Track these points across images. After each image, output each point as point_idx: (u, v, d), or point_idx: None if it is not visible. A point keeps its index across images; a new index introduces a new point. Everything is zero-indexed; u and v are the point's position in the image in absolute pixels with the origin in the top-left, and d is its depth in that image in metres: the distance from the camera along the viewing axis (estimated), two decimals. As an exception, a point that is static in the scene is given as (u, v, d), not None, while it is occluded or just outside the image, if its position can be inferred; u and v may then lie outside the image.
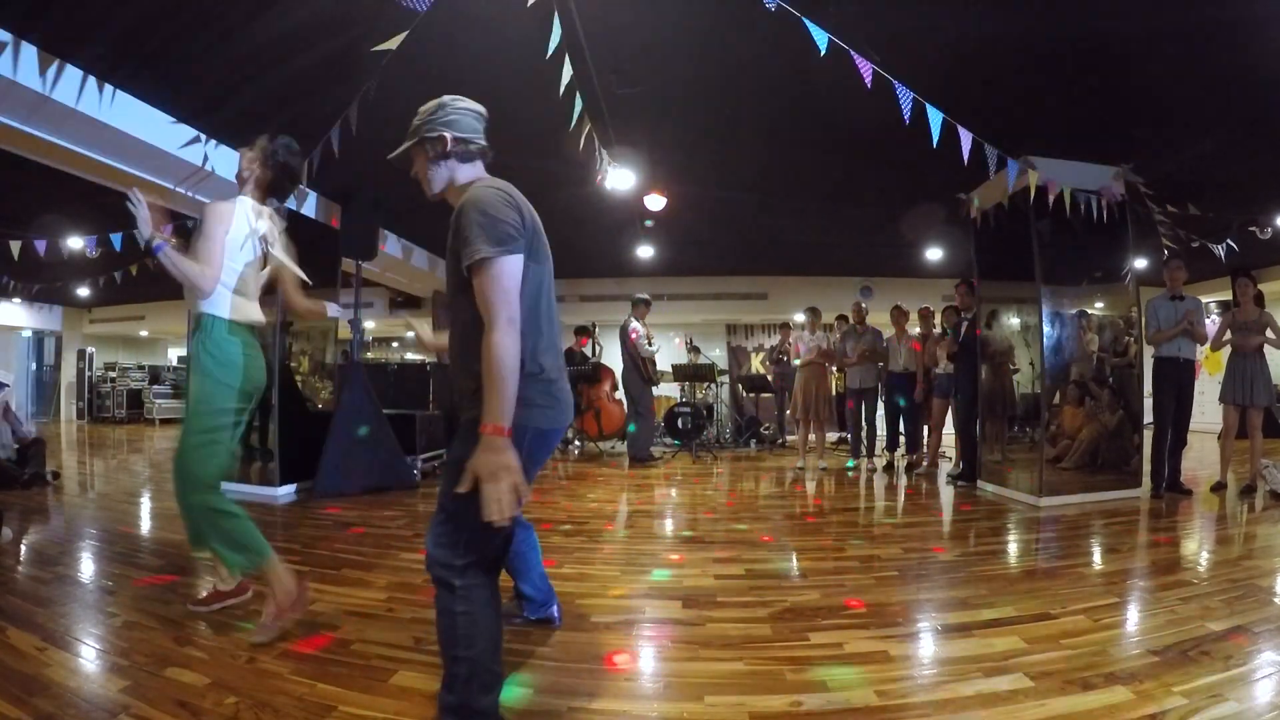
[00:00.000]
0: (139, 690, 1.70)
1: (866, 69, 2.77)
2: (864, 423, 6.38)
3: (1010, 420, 4.86)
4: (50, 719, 1.55)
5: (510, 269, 1.39)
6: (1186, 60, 3.52)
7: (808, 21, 2.62)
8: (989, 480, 4.93)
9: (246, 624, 2.16)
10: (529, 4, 2.75)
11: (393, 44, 2.90)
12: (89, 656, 1.92)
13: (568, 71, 3.06)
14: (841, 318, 6.94)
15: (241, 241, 2.15)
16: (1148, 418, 4.80)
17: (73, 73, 3.46)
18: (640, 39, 3.45)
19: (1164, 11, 3.06)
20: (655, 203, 5.60)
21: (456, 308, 1.52)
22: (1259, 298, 4.70)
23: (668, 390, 8.57)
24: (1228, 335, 4.64)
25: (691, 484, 5.42)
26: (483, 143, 1.61)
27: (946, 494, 4.95)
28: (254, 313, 2.23)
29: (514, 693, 1.72)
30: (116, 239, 5.34)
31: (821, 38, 2.65)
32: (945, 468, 6.03)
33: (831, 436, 6.69)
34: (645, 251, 7.93)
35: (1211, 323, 9.17)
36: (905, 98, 2.93)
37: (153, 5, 3.05)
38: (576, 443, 8.26)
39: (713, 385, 8.25)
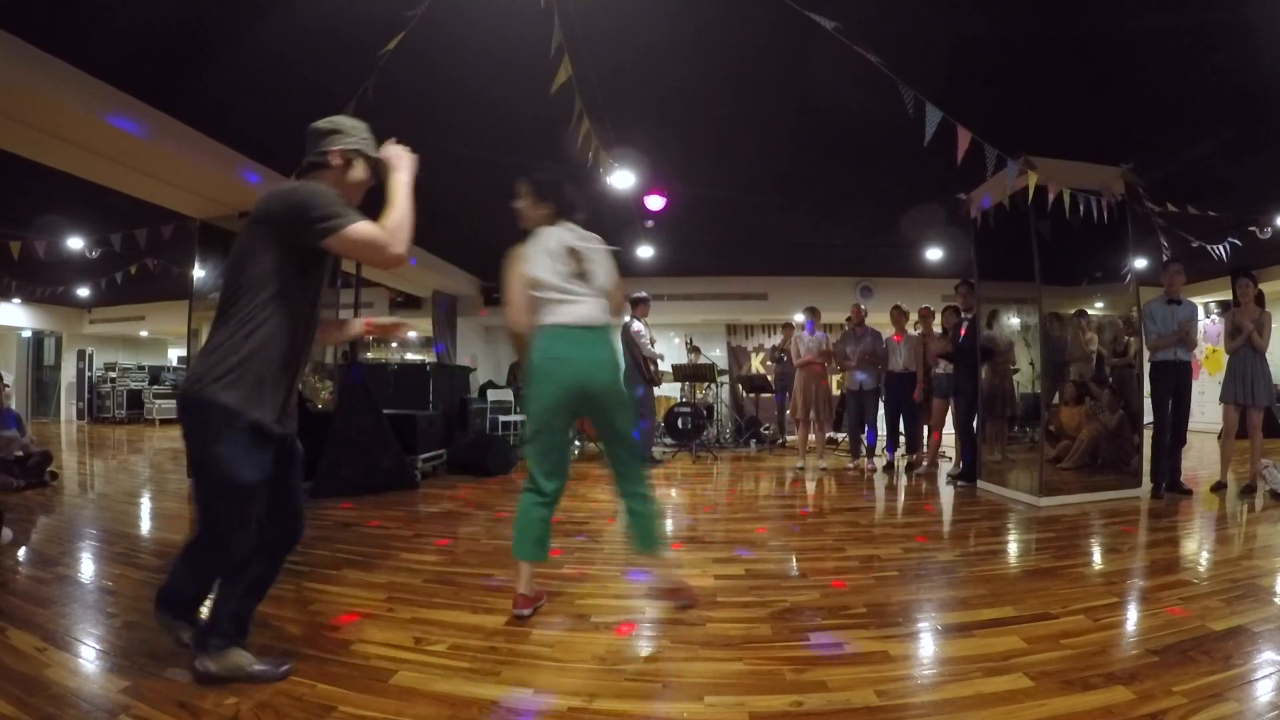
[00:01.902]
0: (139, 690, 1.70)
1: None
2: (863, 423, 6.37)
3: (1010, 420, 4.86)
4: (50, 719, 1.55)
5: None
6: (1186, 60, 3.52)
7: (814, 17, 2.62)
8: (989, 480, 4.93)
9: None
10: (542, 4, 2.75)
11: (390, 44, 2.89)
12: (89, 656, 1.92)
13: (567, 71, 3.06)
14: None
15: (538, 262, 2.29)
16: (1148, 417, 4.80)
17: (75, 74, 3.46)
18: (640, 38, 3.45)
19: (1164, 11, 3.06)
20: (655, 203, 5.60)
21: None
22: (1259, 297, 4.70)
23: (668, 390, 8.56)
24: (1235, 338, 4.64)
25: (691, 484, 5.41)
26: (311, 157, 1.79)
27: (946, 494, 4.95)
28: (560, 316, 2.25)
29: (514, 693, 1.72)
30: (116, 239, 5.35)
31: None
32: (945, 468, 6.03)
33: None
34: (645, 251, 7.92)
35: (1213, 323, 9.20)
36: (905, 96, 2.93)
37: (151, 7, 3.05)
38: (577, 442, 8.25)
39: (713, 385, 8.24)
